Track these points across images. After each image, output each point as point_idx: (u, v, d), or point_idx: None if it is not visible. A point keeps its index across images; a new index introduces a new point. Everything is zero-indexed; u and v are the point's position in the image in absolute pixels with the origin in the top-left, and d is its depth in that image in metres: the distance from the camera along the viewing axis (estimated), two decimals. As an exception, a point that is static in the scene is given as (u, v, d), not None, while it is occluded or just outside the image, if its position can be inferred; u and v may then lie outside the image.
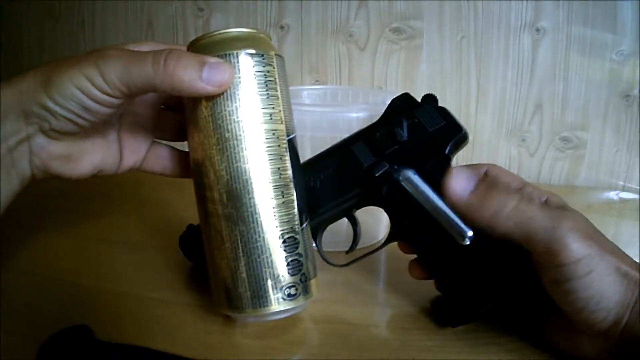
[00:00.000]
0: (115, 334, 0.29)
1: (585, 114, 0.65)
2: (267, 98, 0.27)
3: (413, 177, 0.32)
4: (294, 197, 0.28)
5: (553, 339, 0.29)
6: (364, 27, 0.67)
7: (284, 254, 0.28)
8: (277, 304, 0.27)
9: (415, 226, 0.32)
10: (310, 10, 0.67)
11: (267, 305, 0.27)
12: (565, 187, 0.67)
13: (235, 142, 0.27)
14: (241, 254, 0.27)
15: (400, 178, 0.32)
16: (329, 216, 0.34)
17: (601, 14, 0.61)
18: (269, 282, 0.27)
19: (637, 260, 0.26)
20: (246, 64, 0.27)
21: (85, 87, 0.25)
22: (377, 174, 0.32)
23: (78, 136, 0.29)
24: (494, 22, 0.64)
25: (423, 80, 0.67)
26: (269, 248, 0.27)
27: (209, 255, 0.29)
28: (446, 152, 0.32)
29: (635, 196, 0.63)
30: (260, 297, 0.27)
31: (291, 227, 0.28)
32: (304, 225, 0.29)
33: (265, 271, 0.27)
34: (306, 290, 0.28)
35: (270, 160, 0.27)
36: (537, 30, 0.63)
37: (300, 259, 0.28)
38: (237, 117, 0.27)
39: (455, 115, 0.33)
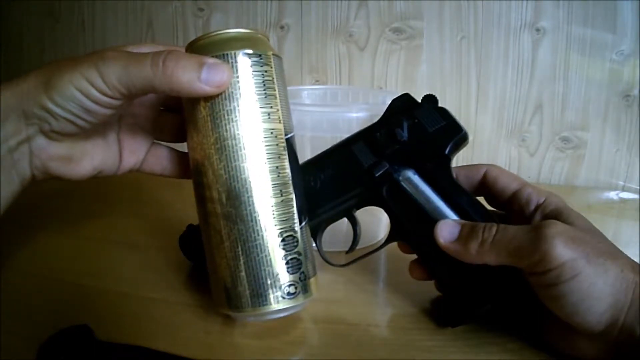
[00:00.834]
0: (115, 334, 0.29)
1: (585, 114, 0.65)
2: (265, 97, 0.27)
3: (413, 177, 0.32)
4: (293, 195, 0.28)
5: (552, 339, 0.29)
6: (364, 27, 0.67)
7: (283, 253, 0.28)
8: (277, 302, 0.28)
9: (415, 226, 0.32)
10: (310, 10, 0.67)
11: (267, 304, 0.27)
12: (565, 187, 0.67)
13: (233, 141, 0.27)
14: (240, 252, 0.27)
15: (400, 178, 0.32)
16: (329, 216, 0.34)
17: (601, 14, 0.61)
18: (268, 281, 0.27)
19: (637, 261, 0.26)
20: (244, 64, 0.27)
21: (85, 89, 0.25)
22: (377, 174, 0.32)
23: (78, 137, 0.29)
24: (494, 22, 0.64)
25: (423, 80, 0.67)
26: (267, 247, 0.27)
27: (209, 255, 0.29)
28: (446, 152, 0.32)
29: (635, 196, 0.63)
30: (259, 296, 0.27)
31: (290, 226, 0.28)
32: (303, 224, 0.29)
33: (264, 270, 0.27)
34: (306, 289, 0.28)
35: (268, 159, 0.27)
36: (537, 30, 0.63)
37: (300, 257, 0.28)
38: (236, 117, 0.27)
39: (455, 116, 0.33)
